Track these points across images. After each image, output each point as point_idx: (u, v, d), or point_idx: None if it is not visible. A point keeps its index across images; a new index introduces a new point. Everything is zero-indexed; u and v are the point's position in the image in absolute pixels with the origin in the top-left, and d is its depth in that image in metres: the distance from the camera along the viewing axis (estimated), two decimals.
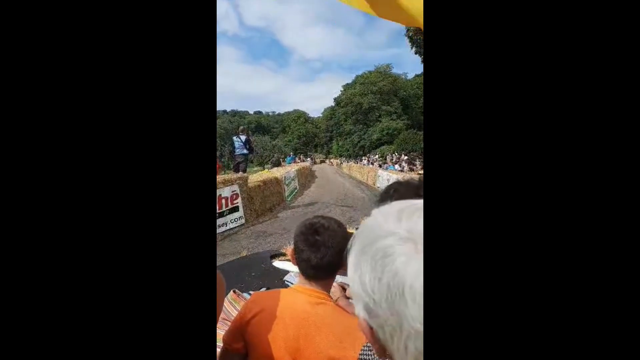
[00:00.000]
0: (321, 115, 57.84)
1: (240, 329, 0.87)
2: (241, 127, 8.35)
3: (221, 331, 1.14)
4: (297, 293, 0.88)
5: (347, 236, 0.89)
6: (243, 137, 7.45)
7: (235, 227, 5.64)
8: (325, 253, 0.84)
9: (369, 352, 0.57)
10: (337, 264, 0.87)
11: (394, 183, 1.14)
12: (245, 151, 7.41)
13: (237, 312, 1.32)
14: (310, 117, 60.09)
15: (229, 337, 0.90)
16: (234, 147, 7.57)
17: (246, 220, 5.95)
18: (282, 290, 0.96)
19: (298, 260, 0.89)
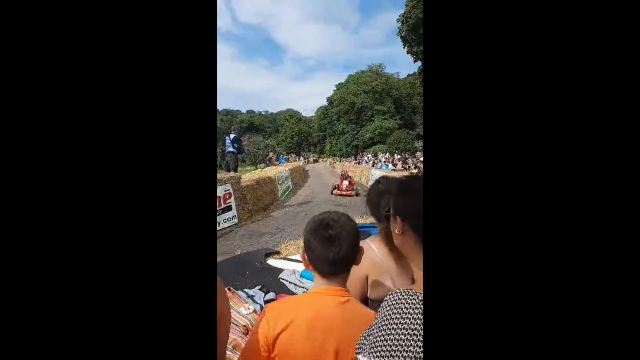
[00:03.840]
0: (314, 114, 57.78)
1: (266, 346, 0.79)
2: (233, 127, 8.36)
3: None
4: (321, 296, 0.83)
5: (357, 228, 0.88)
6: (232, 136, 7.45)
7: (228, 227, 5.60)
8: (341, 246, 0.82)
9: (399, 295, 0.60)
10: (353, 256, 0.85)
11: (380, 178, 1.16)
12: (232, 149, 7.39)
13: (232, 310, 1.32)
14: (303, 117, 60.01)
15: (250, 359, 0.81)
16: (225, 146, 7.54)
17: (239, 219, 5.92)
18: (301, 296, 0.93)
19: (312, 258, 0.85)
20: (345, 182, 10.12)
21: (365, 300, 1.08)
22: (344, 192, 9.55)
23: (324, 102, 50.78)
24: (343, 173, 11.20)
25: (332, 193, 9.68)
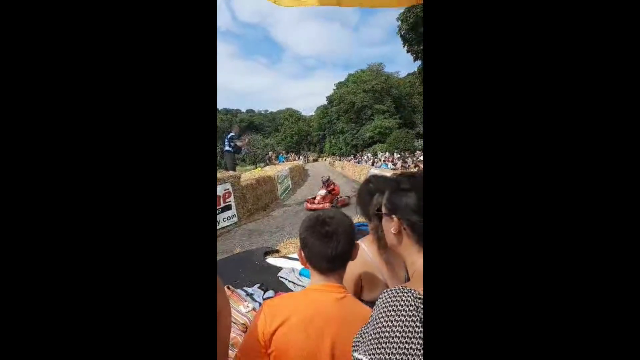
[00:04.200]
0: (314, 113, 57.74)
1: (263, 342, 0.79)
2: (234, 126, 8.48)
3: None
4: (319, 292, 0.84)
5: (352, 224, 0.89)
6: (229, 135, 7.56)
7: (228, 226, 5.60)
8: (338, 242, 0.83)
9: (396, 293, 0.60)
10: (349, 252, 0.86)
11: (370, 177, 1.17)
12: (228, 148, 7.47)
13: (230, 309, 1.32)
14: (302, 116, 60.04)
15: (248, 355, 0.81)
16: (224, 145, 7.62)
17: (239, 218, 5.92)
18: (298, 293, 0.93)
19: (309, 256, 0.86)
20: (322, 192, 7.21)
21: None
22: (316, 206, 6.61)
23: (324, 101, 50.84)
24: (325, 179, 7.92)
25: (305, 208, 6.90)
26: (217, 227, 5.39)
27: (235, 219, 5.84)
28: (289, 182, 10.71)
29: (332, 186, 7.70)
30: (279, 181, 8.98)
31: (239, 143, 7.58)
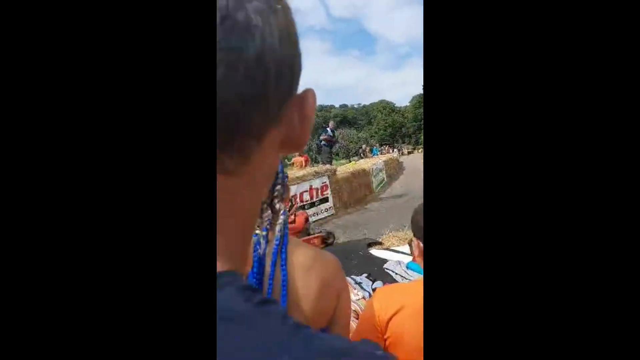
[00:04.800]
0: (409, 103, 55.57)
1: (380, 329, 0.83)
2: (330, 121, 9.09)
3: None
4: None
5: None
6: (325, 130, 8.04)
7: (325, 217, 5.88)
8: None
9: None
10: None
11: None
12: (324, 143, 7.92)
13: None
14: (397, 107, 58.42)
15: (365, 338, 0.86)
16: (319, 140, 8.15)
17: (335, 210, 6.15)
18: (413, 282, 0.94)
19: None
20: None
21: None
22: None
23: (420, 90, 48.42)
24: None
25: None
26: (316, 218, 5.70)
27: (333, 211, 6.08)
28: (384, 175, 10.60)
29: (292, 217, 4.27)
30: (374, 174, 8.97)
31: (323, 136, 7.95)
